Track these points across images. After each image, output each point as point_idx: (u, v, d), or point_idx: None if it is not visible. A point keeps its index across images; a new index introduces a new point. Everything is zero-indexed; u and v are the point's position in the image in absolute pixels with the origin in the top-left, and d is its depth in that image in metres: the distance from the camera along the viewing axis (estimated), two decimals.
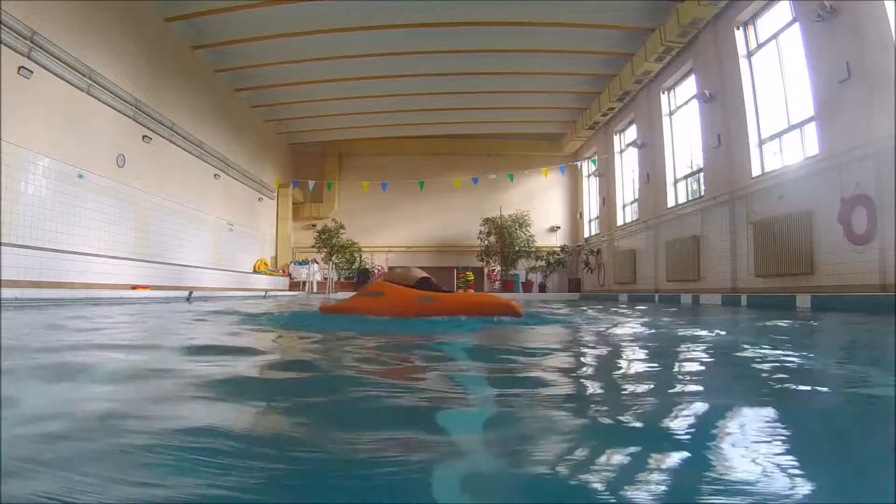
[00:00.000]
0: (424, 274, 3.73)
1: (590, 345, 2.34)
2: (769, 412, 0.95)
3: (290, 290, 14.19)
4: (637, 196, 12.12)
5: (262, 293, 11.83)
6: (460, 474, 0.63)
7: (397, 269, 4.24)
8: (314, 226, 16.06)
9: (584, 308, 6.42)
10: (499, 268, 15.49)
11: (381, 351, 1.94)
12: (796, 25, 6.74)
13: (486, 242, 15.27)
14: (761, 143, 7.68)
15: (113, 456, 0.68)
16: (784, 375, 1.45)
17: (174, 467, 0.63)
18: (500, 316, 3.34)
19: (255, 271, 13.49)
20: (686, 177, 10.16)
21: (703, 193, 9.14)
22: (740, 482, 0.62)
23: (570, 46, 10.28)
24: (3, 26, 5.70)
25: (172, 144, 9.51)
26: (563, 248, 15.89)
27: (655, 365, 1.74)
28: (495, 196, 15.95)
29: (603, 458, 0.71)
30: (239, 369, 1.48)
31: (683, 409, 0.99)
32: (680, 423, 0.90)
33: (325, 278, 14.56)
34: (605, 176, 13.83)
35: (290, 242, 15.91)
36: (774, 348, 2.09)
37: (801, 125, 6.83)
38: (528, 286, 15.39)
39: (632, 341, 2.47)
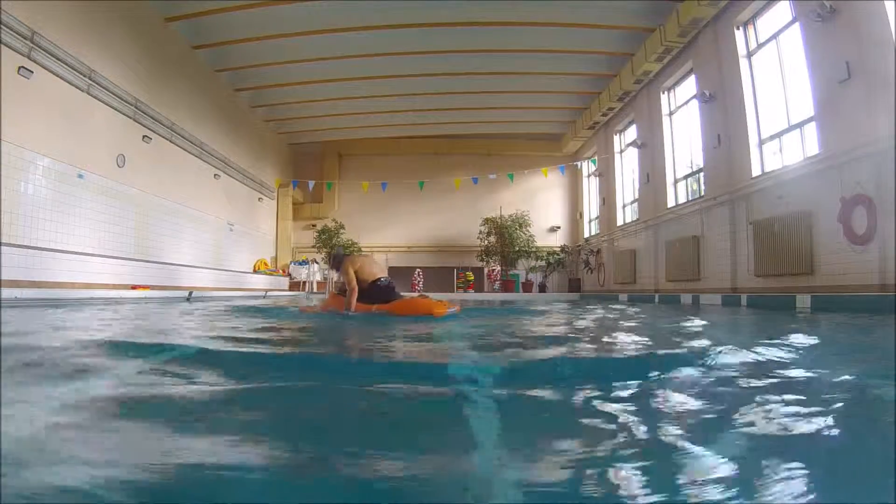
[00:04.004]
0: (381, 275, 4.60)
1: None
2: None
3: (289, 290, 14.18)
4: (637, 196, 12.12)
5: (262, 293, 11.83)
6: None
7: (360, 256, 4.92)
8: (314, 226, 16.03)
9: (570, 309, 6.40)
10: (499, 268, 15.47)
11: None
12: (796, 25, 6.73)
13: (486, 242, 15.25)
14: (761, 143, 7.68)
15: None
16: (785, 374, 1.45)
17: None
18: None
19: (255, 271, 13.49)
20: (686, 177, 10.15)
21: (703, 193, 9.14)
22: (740, 483, 0.62)
23: (570, 46, 10.27)
24: (3, 26, 5.70)
25: (172, 144, 9.51)
26: (563, 248, 15.86)
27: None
28: (495, 196, 15.93)
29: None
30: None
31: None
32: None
33: (325, 278, 14.55)
34: (605, 176, 13.82)
35: (290, 242, 15.89)
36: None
37: (801, 125, 6.82)
38: (527, 286, 15.37)
39: None
